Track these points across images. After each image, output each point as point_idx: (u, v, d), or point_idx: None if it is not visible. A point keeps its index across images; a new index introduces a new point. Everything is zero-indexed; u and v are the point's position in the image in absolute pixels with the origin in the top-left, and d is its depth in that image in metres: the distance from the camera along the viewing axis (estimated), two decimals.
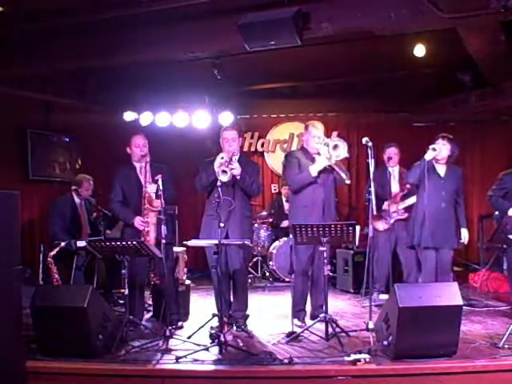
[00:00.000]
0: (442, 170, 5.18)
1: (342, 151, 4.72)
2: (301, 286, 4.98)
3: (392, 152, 6.05)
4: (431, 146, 5.03)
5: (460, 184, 5.26)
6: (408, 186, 5.79)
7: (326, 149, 4.76)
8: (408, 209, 5.79)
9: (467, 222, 5.40)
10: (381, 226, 6.01)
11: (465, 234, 5.29)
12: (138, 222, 4.76)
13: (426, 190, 4.97)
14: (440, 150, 5.06)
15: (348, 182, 4.96)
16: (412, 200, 5.72)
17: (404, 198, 5.95)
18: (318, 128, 4.98)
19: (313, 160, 4.92)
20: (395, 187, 6.06)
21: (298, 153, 5.08)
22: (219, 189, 4.32)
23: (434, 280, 5.03)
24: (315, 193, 4.87)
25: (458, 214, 5.24)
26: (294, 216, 4.93)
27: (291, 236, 4.54)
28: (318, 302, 5.03)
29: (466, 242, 5.37)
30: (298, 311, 4.91)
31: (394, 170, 6.07)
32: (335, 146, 4.72)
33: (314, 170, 4.82)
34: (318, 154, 4.90)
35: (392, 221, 5.95)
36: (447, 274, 5.24)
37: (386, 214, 5.92)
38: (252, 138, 8.95)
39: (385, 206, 5.91)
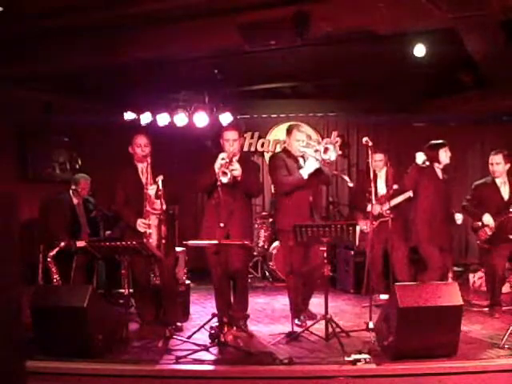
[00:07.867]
0: (439, 170, 5.37)
1: (333, 153, 4.66)
2: (296, 286, 4.96)
3: (382, 157, 6.13)
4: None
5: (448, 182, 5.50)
6: (395, 187, 5.78)
7: (313, 152, 4.72)
8: (393, 209, 5.78)
9: (467, 223, 5.63)
10: (365, 227, 6.02)
11: (459, 217, 5.49)
12: (139, 224, 4.70)
13: (429, 191, 5.25)
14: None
15: (351, 184, 4.96)
16: (397, 200, 5.77)
17: (389, 199, 5.94)
18: (301, 131, 4.95)
19: (297, 162, 4.89)
20: (382, 189, 6.04)
21: (283, 155, 5.00)
22: (219, 189, 4.31)
23: (440, 275, 5.13)
24: (302, 195, 4.82)
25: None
26: (282, 219, 4.88)
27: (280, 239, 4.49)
28: (305, 299, 5.03)
29: (460, 222, 5.53)
30: (297, 311, 4.91)
31: (382, 172, 6.10)
32: (326, 150, 4.65)
33: (305, 173, 4.78)
34: (302, 156, 4.87)
35: (377, 222, 5.89)
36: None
37: (371, 216, 5.91)
38: (252, 137, 8.93)
39: (369, 207, 5.89)
